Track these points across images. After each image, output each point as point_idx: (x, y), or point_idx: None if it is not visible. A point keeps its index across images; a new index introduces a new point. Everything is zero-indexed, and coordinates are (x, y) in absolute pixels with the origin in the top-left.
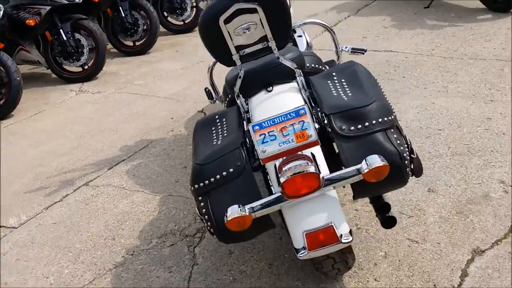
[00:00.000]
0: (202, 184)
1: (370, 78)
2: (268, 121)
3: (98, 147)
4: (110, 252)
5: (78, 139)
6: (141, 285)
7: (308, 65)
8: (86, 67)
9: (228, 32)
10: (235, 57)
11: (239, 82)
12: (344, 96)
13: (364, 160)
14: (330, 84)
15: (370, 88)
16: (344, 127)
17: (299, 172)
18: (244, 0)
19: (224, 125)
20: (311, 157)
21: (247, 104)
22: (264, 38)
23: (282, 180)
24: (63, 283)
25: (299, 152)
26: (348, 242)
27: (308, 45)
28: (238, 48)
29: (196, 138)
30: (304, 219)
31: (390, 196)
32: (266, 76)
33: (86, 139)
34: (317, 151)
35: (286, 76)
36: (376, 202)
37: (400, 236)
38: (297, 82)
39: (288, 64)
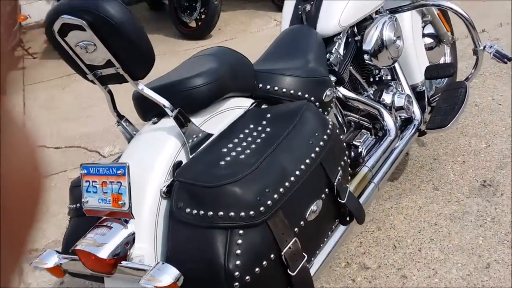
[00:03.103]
0: (72, 206)
1: (309, 145)
2: (94, 168)
3: None
4: None
5: None
6: None
7: (268, 87)
8: (199, 23)
9: (70, 47)
10: (90, 76)
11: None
12: (223, 162)
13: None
14: (239, 135)
15: (279, 161)
16: (181, 204)
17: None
18: (70, 13)
19: None
20: (124, 232)
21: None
22: (111, 63)
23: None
24: None
25: (118, 218)
26: None
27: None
28: (92, 67)
29: None
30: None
31: None
32: (169, 101)
33: None
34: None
35: (197, 106)
36: None
37: None
38: (178, 122)
39: (206, 90)
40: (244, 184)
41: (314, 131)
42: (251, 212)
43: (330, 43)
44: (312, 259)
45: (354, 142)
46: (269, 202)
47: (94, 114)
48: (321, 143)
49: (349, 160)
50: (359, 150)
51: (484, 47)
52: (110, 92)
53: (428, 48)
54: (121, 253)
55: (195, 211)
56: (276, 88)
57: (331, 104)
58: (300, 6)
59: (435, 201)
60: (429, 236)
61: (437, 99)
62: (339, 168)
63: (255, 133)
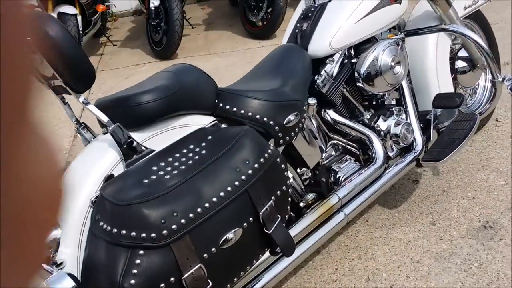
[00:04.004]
0: None
1: (235, 172)
2: None
3: None
4: None
5: None
6: None
7: (228, 107)
8: (265, 22)
9: None
10: (45, 86)
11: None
12: (147, 180)
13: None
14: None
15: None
16: (98, 217)
17: None
18: None
19: None
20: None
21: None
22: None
23: None
24: None
25: None
26: None
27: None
28: (45, 77)
29: None
30: None
31: None
32: (114, 116)
33: None
34: None
35: (142, 122)
36: None
37: None
38: (114, 137)
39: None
40: (151, 205)
41: (245, 158)
42: (153, 234)
43: (322, 64)
44: (228, 286)
45: (333, 167)
46: (174, 226)
47: None
48: (250, 171)
49: (290, 190)
50: (337, 175)
51: (503, 79)
52: (63, 101)
53: (461, 72)
54: None
55: (105, 226)
56: (235, 109)
57: (296, 130)
58: (298, 24)
59: (427, 236)
60: (406, 273)
61: (444, 129)
62: (272, 198)
63: (190, 154)
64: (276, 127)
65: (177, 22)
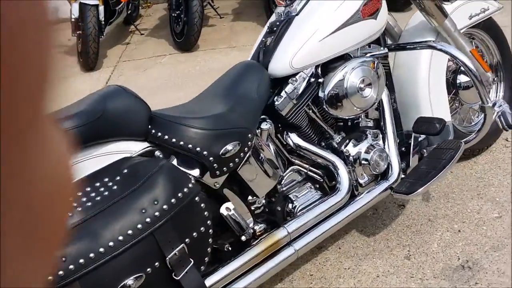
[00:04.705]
0: None
1: (139, 214)
2: None
3: None
4: None
5: None
6: None
7: (160, 134)
8: None
9: None
10: None
11: None
12: None
13: None
14: (86, 188)
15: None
16: None
17: None
18: None
19: None
20: None
21: None
22: None
23: None
24: None
25: None
26: None
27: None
28: None
29: None
30: None
31: None
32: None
33: None
34: None
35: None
36: None
37: None
38: None
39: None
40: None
41: (153, 198)
42: None
43: (284, 84)
44: None
45: (290, 196)
46: (61, 272)
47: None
48: (157, 213)
49: (210, 230)
50: (293, 205)
51: (494, 104)
52: None
53: (464, 87)
54: None
55: None
56: (166, 137)
57: (236, 160)
58: (263, 39)
59: (398, 272)
60: None
61: (424, 156)
62: (186, 240)
63: (102, 189)
64: (211, 158)
65: (195, 14)
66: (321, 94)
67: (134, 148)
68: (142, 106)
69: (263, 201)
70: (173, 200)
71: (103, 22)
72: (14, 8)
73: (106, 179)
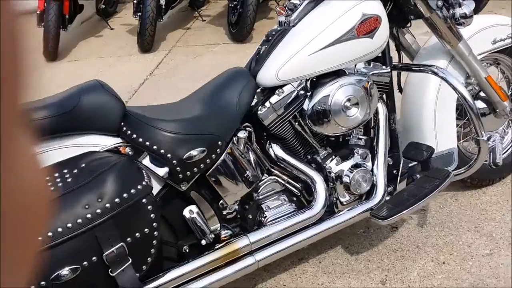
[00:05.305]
0: None
1: (80, 209)
2: None
3: None
4: None
5: None
6: None
7: (129, 132)
8: None
9: None
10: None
11: None
12: None
13: None
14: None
15: None
16: None
17: None
18: None
19: None
20: None
21: None
22: None
23: None
24: None
25: None
26: None
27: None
28: None
29: None
30: None
31: None
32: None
33: None
34: None
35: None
36: None
37: None
38: None
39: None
40: None
41: (98, 196)
42: None
43: (270, 95)
44: None
45: (263, 205)
46: None
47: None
48: (99, 210)
49: (156, 232)
50: (264, 215)
51: (489, 138)
52: None
53: (481, 115)
54: None
55: None
56: (134, 136)
57: (201, 166)
58: (260, 47)
59: None
60: None
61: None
62: (127, 239)
63: (58, 180)
64: (174, 161)
65: (250, 7)
66: (305, 107)
67: (105, 142)
68: (116, 103)
69: (236, 207)
70: (117, 200)
71: (163, 6)
72: None
73: (65, 171)
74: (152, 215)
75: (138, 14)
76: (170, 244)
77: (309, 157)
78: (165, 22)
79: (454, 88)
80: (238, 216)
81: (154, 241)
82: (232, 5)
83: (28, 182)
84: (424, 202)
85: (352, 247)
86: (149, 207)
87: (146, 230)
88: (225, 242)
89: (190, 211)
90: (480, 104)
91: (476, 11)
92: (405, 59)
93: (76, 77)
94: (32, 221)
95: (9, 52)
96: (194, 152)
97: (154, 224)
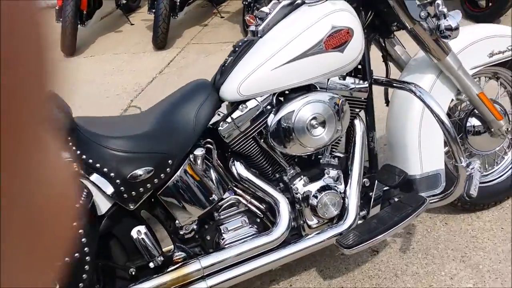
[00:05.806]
0: None
1: None
2: None
3: None
4: None
5: None
6: None
7: (74, 148)
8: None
9: None
10: None
11: None
12: None
13: None
14: None
15: None
16: None
17: None
18: None
19: None
20: None
21: None
22: None
23: None
24: None
25: None
26: None
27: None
28: None
29: None
30: None
31: None
32: None
33: None
34: None
35: None
36: None
37: None
38: None
39: None
40: None
41: None
42: None
43: (233, 110)
44: None
45: (222, 227)
46: None
47: None
48: None
49: (88, 258)
50: (222, 237)
51: (468, 164)
52: None
53: (474, 133)
54: None
55: None
56: (78, 152)
57: (148, 186)
58: (227, 58)
59: None
60: None
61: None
62: None
63: None
64: (118, 180)
65: (264, 4)
66: (268, 123)
67: None
68: (64, 116)
69: (194, 227)
70: None
71: (178, 3)
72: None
73: None
74: (83, 240)
75: (153, 10)
76: (117, 266)
77: (277, 175)
78: (182, 18)
79: (431, 110)
80: (197, 236)
81: (86, 266)
82: (246, 3)
83: (58, 190)
84: (393, 231)
85: (327, 270)
86: (80, 231)
87: (76, 254)
88: (178, 265)
89: (138, 232)
90: (475, 122)
91: (500, 13)
92: (395, 70)
93: (87, 73)
94: (60, 228)
95: (34, 47)
96: (139, 172)
97: (85, 249)
